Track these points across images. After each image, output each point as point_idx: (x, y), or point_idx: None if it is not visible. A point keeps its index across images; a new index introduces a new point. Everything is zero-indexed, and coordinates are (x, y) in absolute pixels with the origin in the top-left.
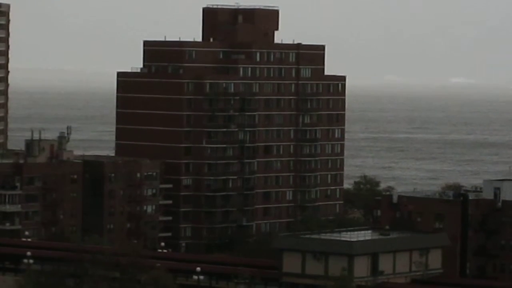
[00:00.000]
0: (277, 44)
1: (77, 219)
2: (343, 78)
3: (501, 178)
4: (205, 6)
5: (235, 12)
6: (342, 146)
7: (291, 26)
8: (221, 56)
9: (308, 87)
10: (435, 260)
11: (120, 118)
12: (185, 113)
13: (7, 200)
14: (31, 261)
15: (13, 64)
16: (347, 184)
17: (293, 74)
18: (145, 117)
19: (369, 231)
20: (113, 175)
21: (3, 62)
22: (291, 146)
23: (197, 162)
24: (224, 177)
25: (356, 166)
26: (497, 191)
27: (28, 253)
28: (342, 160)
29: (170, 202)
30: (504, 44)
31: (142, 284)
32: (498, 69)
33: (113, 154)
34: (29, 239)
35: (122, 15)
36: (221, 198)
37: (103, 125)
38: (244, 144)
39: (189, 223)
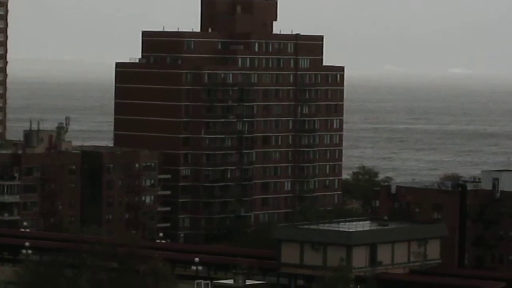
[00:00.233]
0: (276, 34)
1: (76, 209)
2: (341, 69)
3: (500, 169)
4: None
5: (233, 3)
6: (341, 136)
7: (290, 16)
8: (219, 47)
9: (307, 77)
10: (433, 250)
11: (119, 108)
12: (183, 103)
13: (5, 190)
14: (29, 251)
15: (12, 55)
16: (346, 175)
17: (292, 65)
18: (143, 107)
19: (368, 222)
20: (111, 165)
21: (1, 52)
22: (290, 137)
23: (196, 153)
24: (223, 168)
25: (355, 157)
26: (495, 181)
27: (27, 244)
28: (340, 151)
29: (168, 192)
30: (504, 35)
31: (141, 274)
32: (498, 60)
33: (111, 145)
34: (27, 230)
35: (120, 5)
36: (220, 189)
37: (102, 115)
38: (243, 135)
39: (187, 213)
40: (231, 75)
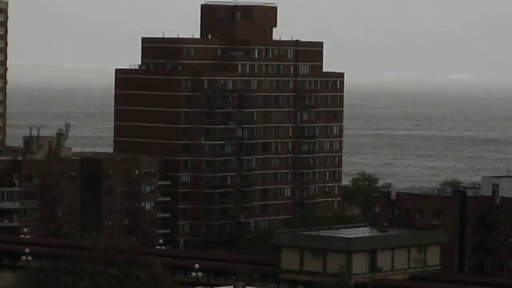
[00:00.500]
0: (276, 41)
1: (76, 216)
2: (341, 75)
3: (500, 175)
4: (203, 3)
5: (233, 9)
6: (341, 142)
7: (290, 23)
8: (219, 53)
9: (307, 84)
10: (433, 256)
11: (119, 115)
12: (183, 110)
13: (5, 197)
14: (29, 258)
15: (12, 61)
16: (346, 181)
17: (292, 71)
18: (143, 114)
19: (367, 228)
20: (111, 172)
21: (1, 59)
22: (290, 143)
23: (195, 159)
24: (223, 174)
25: (356, 163)
26: (495, 187)
27: (27, 250)
28: (340, 157)
29: (168, 199)
30: (504, 41)
31: (140, 281)
32: (498, 66)
33: (111, 151)
34: (27, 236)
35: (120, 12)
36: (220, 195)
37: (102, 122)
38: (243, 141)
39: (187, 220)
40: (231, 81)
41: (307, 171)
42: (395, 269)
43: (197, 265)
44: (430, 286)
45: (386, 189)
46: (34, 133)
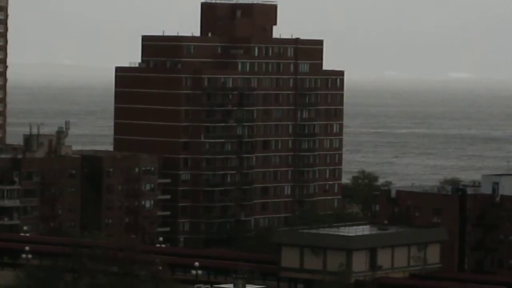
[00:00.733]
0: (276, 39)
1: (76, 214)
2: (341, 73)
3: (500, 173)
4: (203, 1)
5: (233, 7)
6: (341, 141)
7: (290, 21)
8: (219, 51)
9: (307, 82)
10: (433, 254)
11: (119, 113)
12: (183, 108)
13: (5, 195)
14: (29, 256)
15: (12, 59)
16: (346, 179)
17: (292, 69)
18: (143, 111)
19: (367, 226)
20: (111, 170)
21: (1, 57)
22: (290, 141)
23: (196, 157)
24: (223, 172)
25: (357, 162)
26: (495, 186)
27: (27, 248)
28: (340, 155)
29: (168, 197)
30: (504, 39)
31: (140, 279)
32: (498, 64)
33: (111, 149)
34: (27, 234)
35: (121, 9)
36: (220, 193)
37: (102, 120)
38: (243, 139)
39: (187, 218)
40: (231, 79)
41: (307, 169)
42: (395, 267)
43: (197, 263)
44: (430, 284)
45: (386, 187)
46: (34, 131)
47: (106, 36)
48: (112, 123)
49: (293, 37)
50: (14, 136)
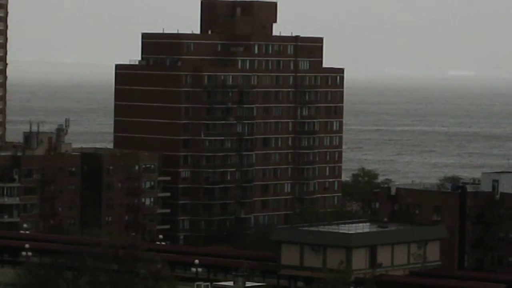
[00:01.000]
0: (276, 36)
1: (76, 211)
2: (341, 71)
3: (500, 171)
4: None
5: (233, 5)
6: (340, 138)
7: (290, 18)
8: (219, 49)
9: (307, 79)
10: (433, 252)
11: (119, 110)
12: (183, 105)
13: (5, 192)
14: (29, 253)
15: (12, 57)
16: (346, 177)
17: (291, 67)
18: (143, 109)
19: (367, 224)
20: (111, 167)
21: (1, 54)
22: (290, 139)
23: (195, 155)
24: (222, 170)
25: (357, 160)
26: (495, 183)
27: (27, 246)
28: (340, 153)
29: (168, 194)
30: (504, 37)
31: (141, 276)
32: (498, 62)
33: (111, 147)
34: (27, 232)
35: (120, 7)
36: (219, 191)
37: (102, 117)
38: (243, 137)
39: (187, 215)
40: (231, 77)
41: (307, 166)
42: (395, 264)
43: (197, 261)
44: (430, 282)
45: (386, 185)
46: (34, 128)
47: (106, 34)
48: (112, 121)
49: (293, 34)
50: (14, 133)
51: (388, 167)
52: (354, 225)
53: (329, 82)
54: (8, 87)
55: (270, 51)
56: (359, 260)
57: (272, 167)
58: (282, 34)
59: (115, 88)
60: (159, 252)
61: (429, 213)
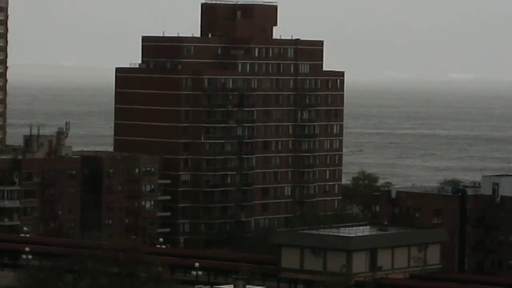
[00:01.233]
0: (276, 39)
1: (76, 214)
2: (341, 74)
3: (500, 174)
4: (203, 1)
5: (233, 8)
6: (341, 141)
7: (290, 21)
8: (219, 52)
9: (307, 82)
10: (433, 255)
11: (119, 113)
12: (183, 108)
13: (5, 195)
14: (29, 256)
15: (13, 60)
16: (346, 180)
17: (292, 70)
18: (143, 112)
19: (368, 227)
20: (111, 170)
21: (1, 57)
22: (290, 142)
23: (196, 158)
24: (223, 173)
25: (358, 163)
26: (495, 186)
27: (27, 249)
28: (340, 156)
29: (168, 197)
30: (504, 40)
31: (141, 279)
32: (498, 65)
33: (111, 150)
34: (27, 235)
35: (121, 10)
36: (220, 194)
37: (102, 120)
38: (243, 140)
39: (187, 218)
40: (231, 80)
41: (307, 170)
42: (395, 268)
43: (197, 264)
44: (430, 285)
45: (386, 188)
46: (34, 132)
47: (106, 37)
48: (112, 124)
49: (293, 38)
50: (15, 137)
51: (389, 171)
52: (354, 228)
53: (330, 85)
54: (8, 90)
55: (271, 54)
56: (360, 263)
57: (273, 170)
58: (282, 37)
59: (115, 91)
60: (159, 255)
61: (429, 216)
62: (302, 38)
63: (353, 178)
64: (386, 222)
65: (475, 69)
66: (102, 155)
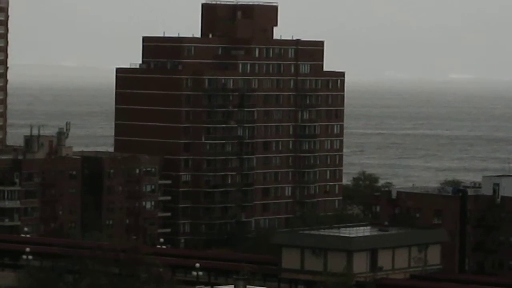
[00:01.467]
0: (276, 40)
1: (76, 215)
2: (342, 74)
3: (501, 174)
4: (204, 1)
5: (234, 8)
6: (341, 142)
7: (290, 22)
8: (220, 52)
9: (307, 83)
10: (434, 256)
11: (119, 114)
12: (184, 109)
13: (6, 196)
14: (30, 257)
15: (13, 60)
16: (346, 180)
17: (292, 70)
18: (144, 113)
19: (368, 227)
20: (112, 171)
21: (2, 58)
22: (290, 142)
23: (196, 158)
24: (223, 173)
25: (360, 163)
26: (496, 187)
27: (27, 249)
28: (341, 156)
29: (169, 198)
30: (504, 40)
31: (142, 280)
32: (500, 65)
33: (112, 150)
34: (28, 235)
35: (121, 10)
36: (220, 194)
37: (102, 121)
38: (243, 140)
39: (188, 219)
40: (231, 80)
41: (308, 170)
42: (396, 268)
43: (197, 264)
44: (431, 286)
45: (386, 189)
46: (35, 132)
47: (107, 37)
48: (113, 124)
49: (294, 38)
50: (15, 137)
51: (390, 171)
52: (355, 228)
53: (330, 86)
54: (10, 91)
55: (271, 55)
56: (360, 263)
57: (273, 170)
58: (283, 38)
59: (116, 92)
60: (160, 256)
61: (429, 216)
62: (302, 39)
63: (354, 179)
64: (386, 223)
65: (476, 69)
66: (102, 156)
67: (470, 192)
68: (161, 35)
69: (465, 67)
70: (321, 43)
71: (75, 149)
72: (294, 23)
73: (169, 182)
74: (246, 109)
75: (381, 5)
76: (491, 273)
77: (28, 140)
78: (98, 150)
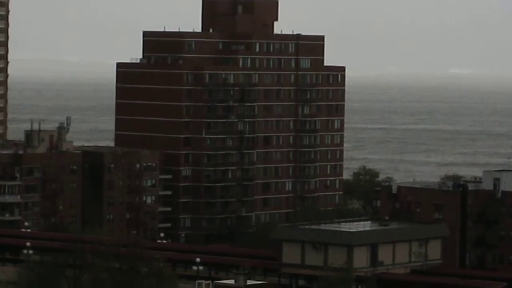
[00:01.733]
0: (277, 34)
1: (77, 209)
2: (342, 69)
3: (501, 169)
4: None
5: (234, 3)
6: (342, 136)
7: (291, 16)
8: (220, 47)
9: (308, 77)
10: (434, 250)
11: (120, 108)
12: (184, 103)
13: (6, 190)
14: (30, 251)
15: (13, 55)
16: (347, 175)
17: (293, 65)
18: (144, 107)
19: (369, 222)
20: (112, 165)
21: (2, 52)
22: (291, 137)
23: (197, 153)
24: (224, 168)
25: (361, 158)
26: (496, 181)
27: (28, 244)
28: (341, 151)
29: (169, 192)
30: (505, 34)
31: (143, 274)
32: (500, 60)
33: (112, 145)
34: (28, 230)
35: (122, 5)
36: (221, 189)
37: (105, 115)
38: (244, 135)
39: (188, 213)
40: (232, 75)
41: (308, 165)
42: (396, 263)
43: (198, 259)
44: (431, 280)
45: (387, 183)
46: (35, 127)
47: (107, 32)
48: (113, 119)
49: (294, 33)
50: (16, 131)
51: (392, 166)
52: (355, 223)
53: (331, 80)
54: (11, 86)
55: (272, 49)
56: (360, 258)
57: (273, 165)
58: (284, 32)
59: (117, 86)
60: (160, 250)
61: (430, 211)
62: (303, 33)
63: (354, 173)
64: (387, 217)
65: (477, 64)
66: (103, 150)
67: (470, 187)
68: (162, 29)
69: (466, 62)
70: (321, 38)
71: (76, 143)
72: (295, 18)
73: (169, 176)
74: (246, 104)
75: (381, 0)
76: (492, 267)
77: (29, 134)
78: (99, 144)
